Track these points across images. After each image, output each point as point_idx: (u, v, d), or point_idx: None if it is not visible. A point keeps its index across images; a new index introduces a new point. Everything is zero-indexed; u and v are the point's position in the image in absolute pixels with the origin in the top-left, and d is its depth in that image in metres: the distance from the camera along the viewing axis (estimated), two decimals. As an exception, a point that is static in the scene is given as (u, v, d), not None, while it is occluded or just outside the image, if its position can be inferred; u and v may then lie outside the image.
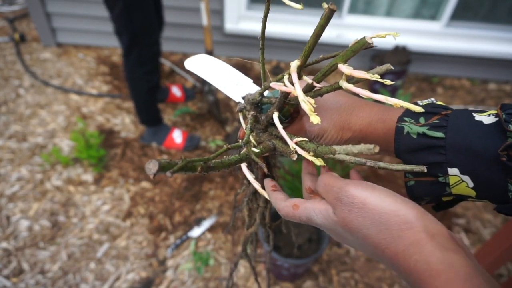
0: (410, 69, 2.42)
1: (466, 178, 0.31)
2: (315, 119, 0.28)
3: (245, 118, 0.43)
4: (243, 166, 0.41)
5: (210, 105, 2.02)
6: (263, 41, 0.36)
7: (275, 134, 0.40)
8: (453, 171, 0.31)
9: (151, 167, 0.27)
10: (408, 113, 0.35)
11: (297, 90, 0.30)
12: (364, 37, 0.28)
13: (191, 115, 2.05)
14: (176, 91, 2.09)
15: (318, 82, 0.34)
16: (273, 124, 0.39)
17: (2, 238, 1.44)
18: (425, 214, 0.27)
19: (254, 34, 2.32)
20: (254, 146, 0.39)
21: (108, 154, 1.78)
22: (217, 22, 2.30)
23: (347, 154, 0.32)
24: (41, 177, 1.67)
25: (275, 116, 0.37)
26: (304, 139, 0.35)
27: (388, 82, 0.28)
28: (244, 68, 2.43)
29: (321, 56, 0.38)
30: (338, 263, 1.42)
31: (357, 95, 0.34)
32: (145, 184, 1.67)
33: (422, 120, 0.33)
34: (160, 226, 1.51)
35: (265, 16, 0.35)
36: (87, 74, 2.29)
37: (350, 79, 0.31)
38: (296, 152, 0.35)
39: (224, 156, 0.35)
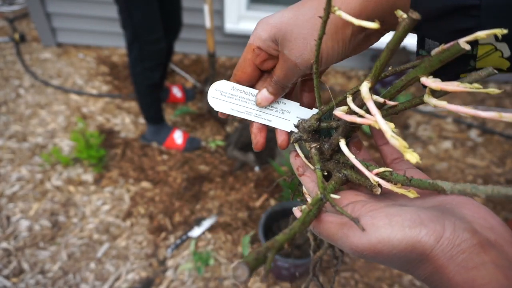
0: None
1: (502, 45, 0.25)
2: (413, 157, 0.23)
3: (300, 147, 0.39)
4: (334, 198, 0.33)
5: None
6: (317, 64, 0.31)
7: (344, 162, 0.35)
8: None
9: (240, 274, 0.21)
10: None
11: (380, 124, 0.24)
12: (457, 43, 0.22)
13: (191, 115, 2.05)
14: (176, 91, 2.10)
15: (390, 99, 0.29)
16: (339, 150, 0.34)
17: (2, 238, 1.44)
18: (442, 233, 0.24)
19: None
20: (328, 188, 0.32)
21: (108, 154, 1.78)
22: (217, 22, 2.30)
23: (464, 194, 0.26)
24: (41, 177, 1.67)
25: (343, 144, 0.32)
26: (388, 169, 0.29)
27: (495, 91, 0.23)
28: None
29: (390, 68, 0.33)
30: (338, 263, 1.42)
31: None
32: (145, 184, 1.67)
33: None
34: (160, 226, 1.51)
35: (320, 39, 0.29)
36: (87, 74, 2.29)
37: (436, 93, 0.26)
38: (379, 185, 0.30)
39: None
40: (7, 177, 1.65)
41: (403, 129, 2.06)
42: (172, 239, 1.47)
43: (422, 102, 0.26)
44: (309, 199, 0.35)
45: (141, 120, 1.99)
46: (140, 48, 1.50)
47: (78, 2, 2.30)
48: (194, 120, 2.03)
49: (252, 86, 0.39)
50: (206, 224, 1.51)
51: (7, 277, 1.33)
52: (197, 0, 2.14)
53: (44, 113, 2.00)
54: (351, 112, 0.29)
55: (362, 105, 0.28)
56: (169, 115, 2.03)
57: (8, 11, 2.82)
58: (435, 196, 0.29)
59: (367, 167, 0.30)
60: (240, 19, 2.32)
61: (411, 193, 0.28)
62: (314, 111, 0.39)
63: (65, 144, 1.82)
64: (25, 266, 1.37)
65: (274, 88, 0.37)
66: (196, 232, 1.48)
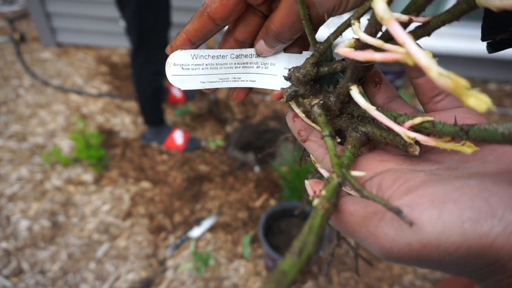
0: None
1: None
2: (480, 102, 0.15)
3: (299, 105, 0.29)
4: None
5: (211, 105, 2.02)
6: None
7: (361, 115, 0.26)
8: None
9: None
10: None
11: (417, 57, 0.16)
12: None
13: (191, 115, 2.05)
14: (176, 91, 2.09)
15: (418, 14, 0.21)
16: (350, 100, 0.25)
17: (2, 238, 1.44)
18: None
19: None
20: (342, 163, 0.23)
21: (108, 154, 1.78)
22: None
23: None
24: (41, 177, 1.67)
25: (355, 92, 0.24)
26: (428, 119, 0.21)
27: None
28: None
29: None
30: (338, 263, 1.42)
31: None
32: (145, 184, 1.67)
33: None
34: (160, 226, 1.51)
35: None
36: (87, 74, 2.29)
37: None
38: (417, 142, 0.21)
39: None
40: (7, 177, 1.65)
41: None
42: (172, 239, 1.47)
43: (473, 7, 0.17)
44: (321, 171, 0.27)
45: (141, 120, 1.99)
46: (148, 52, 1.49)
47: (78, 2, 2.30)
48: (194, 120, 2.03)
49: (226, 24, 0.28)
50: (206, 224, 1.51)
51: (7, 277, 1.33)
52: (197, 0, 2.14)
53: (44, 113, 2.00)
54: (361, 45, 0.21)
55: (375, 32, 0.20)
56: (169, 115, 2.03)
57: (8, 11, 2.82)
58: (502, 149, 0.20)
59: (395, 119, 0.22)
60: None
61: (468, 147, 0.19)
62: (306, 54, 0.29)
63: (65, 144, 1.82)
64: (25, 266, 1.37)
65: (271, 42, 0.27)
66: (196, 232, 1.48)
